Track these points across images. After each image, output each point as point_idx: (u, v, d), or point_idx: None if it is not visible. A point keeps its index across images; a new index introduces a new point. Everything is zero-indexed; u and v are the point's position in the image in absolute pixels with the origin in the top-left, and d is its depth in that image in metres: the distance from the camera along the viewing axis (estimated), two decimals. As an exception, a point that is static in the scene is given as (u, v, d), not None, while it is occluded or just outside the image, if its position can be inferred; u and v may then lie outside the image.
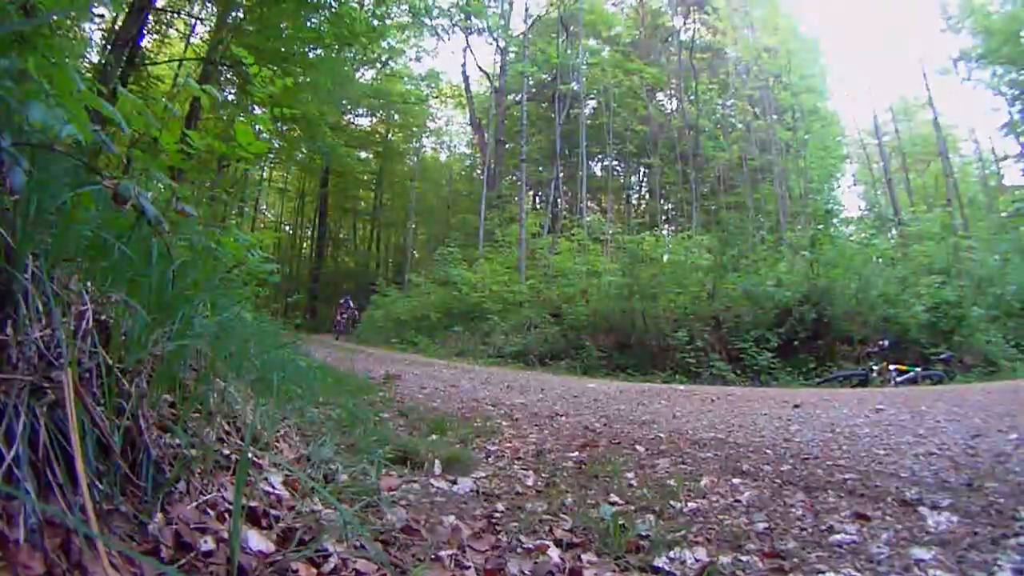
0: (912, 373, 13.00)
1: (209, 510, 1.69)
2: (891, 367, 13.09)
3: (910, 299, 15.98)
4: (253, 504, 1.83)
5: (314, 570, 1.62)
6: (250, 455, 2.16)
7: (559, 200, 36.47)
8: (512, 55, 38.22)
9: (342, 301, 30.77)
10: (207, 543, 1.50)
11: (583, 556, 2.19)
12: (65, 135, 2.06)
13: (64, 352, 1.47)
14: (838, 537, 2.48)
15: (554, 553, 2.17)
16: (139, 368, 1.80)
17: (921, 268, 19.15)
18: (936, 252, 20.24)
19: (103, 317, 1.79)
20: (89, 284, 1.86)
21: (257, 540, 1.63)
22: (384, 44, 27.03)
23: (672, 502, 2.94)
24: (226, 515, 1.68)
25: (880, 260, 19.87)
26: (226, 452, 2.07)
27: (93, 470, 1.45)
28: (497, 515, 2.59)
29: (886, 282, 16.77)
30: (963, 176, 35.26)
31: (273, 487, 2.06)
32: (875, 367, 13.29)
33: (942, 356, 14.11)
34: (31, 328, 1.47)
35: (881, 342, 14.07)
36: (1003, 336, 15.27)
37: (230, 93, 21.41)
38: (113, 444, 1.53)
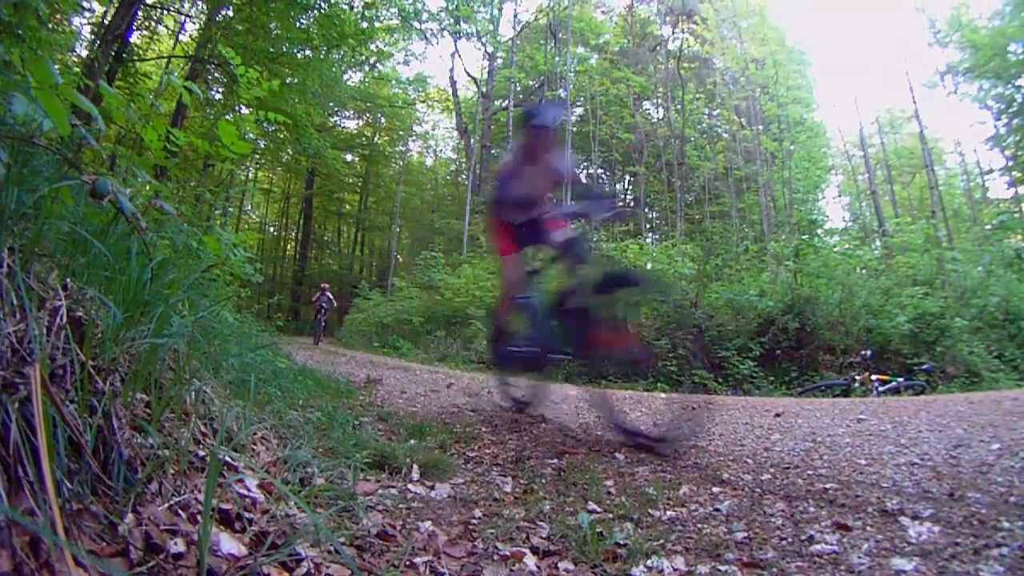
0: (894, 383, 13.05)
1: (181, 512, 1.67)
2: (873, 377, 13.15)
3: (893, 310, 16.04)
4: (226, 507, 1.80)
5: (286, 574, 1.60)
6: (226, 457, 2.14)
7: (543, 206, 36.38)
8: (500, 61, 38.41)
9: (317, 296, 26.73)
10: (177, 545, 1.48)
11: (560, 564, 2.17)
12: (47, 128, 2.05)
13: (35, 348, 1.45)
14: (818, 547, 2.46)
15: (530, 561, 2.15)
16: (114, 366, 1.78)
17: (905, 279, 19.23)
18: (920, 263, 20.30)
19: (79, 314, 1.77)
20: (68, 280, 1.84)
21: (228, 543, 1.60)
22: (372, 47, 27.02)
23: (651, 510, 2.92)
24: (198, 517, 1.66)
25: (864, 271, 19.98)
26: (201, 453, 2.04)
27: (64, 468, 1.43)
28: (474, 521, 2.57)
29: (869, 293, 16.84)
30: (948, 188, 35.57)
31: (248, 489, 2.03)
32: (857, 377, 13.32)
33: (924, 366, 14.16)
34: (4, 323, 1.45)
35: (863, 352, 14.16)
36: (985, 347, 15.31)
37: (217, 92, 21.39)
38: (84, 442, 1.51)
